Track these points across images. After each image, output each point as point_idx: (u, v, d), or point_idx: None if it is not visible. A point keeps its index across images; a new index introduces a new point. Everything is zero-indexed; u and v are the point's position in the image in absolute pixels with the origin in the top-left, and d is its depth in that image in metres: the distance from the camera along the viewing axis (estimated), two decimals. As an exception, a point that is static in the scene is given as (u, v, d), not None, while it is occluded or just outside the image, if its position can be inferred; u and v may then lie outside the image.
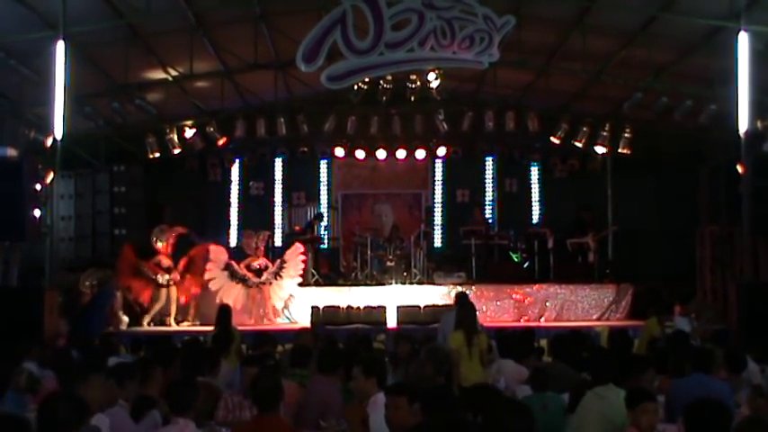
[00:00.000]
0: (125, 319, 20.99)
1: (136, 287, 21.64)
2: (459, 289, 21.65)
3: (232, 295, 21.56)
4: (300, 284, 22.36)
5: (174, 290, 21.83)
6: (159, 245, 22.24)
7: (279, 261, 22.42)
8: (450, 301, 20.90)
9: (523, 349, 12.07)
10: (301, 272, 22.36)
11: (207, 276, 21.92)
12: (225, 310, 16.00)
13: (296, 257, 22.39)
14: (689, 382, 9.00)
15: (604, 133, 23.70)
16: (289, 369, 9.78)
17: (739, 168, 17.70)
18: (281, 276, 22.14)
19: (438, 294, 22.08)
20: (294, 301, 22.15)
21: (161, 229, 22.59)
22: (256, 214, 25.42)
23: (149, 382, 8.52)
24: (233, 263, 22.17)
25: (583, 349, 12.34)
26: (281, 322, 21.89)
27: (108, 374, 8.19)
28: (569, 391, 8.91)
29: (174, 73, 21.33)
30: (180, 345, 13.29)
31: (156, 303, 21.66)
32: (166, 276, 21.76)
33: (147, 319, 21.44)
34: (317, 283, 23.21)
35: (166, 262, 21.99)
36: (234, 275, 21.98)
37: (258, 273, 22.16)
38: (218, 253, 22.26)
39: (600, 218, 25.22)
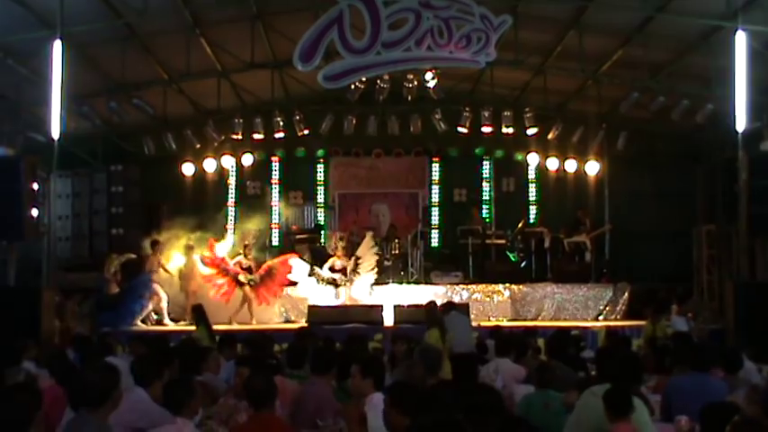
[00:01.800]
0: None
1: (216, 283, 21.80)
2: (457, 288, 21.77)
3: (325, 299, 21.73)
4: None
5: (250, 291, 21.88)
6: (240, 248, 22.40)
7: (354, 258, 22.29)
8: (446, 300, 21.02)
9: (522, 348, 12.07)
10: (375, 264, 22.31)
11: (289, 290, 22.12)
12: (199, 309, 16.18)
13: (369, 251, 22.39)
14: (685, 381, 8.99)
15: (601, 133, 23.72)
16: (286, 370, 9.77)
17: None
18: (358, 273, 22.11)
19: (435, 294, 22.04)
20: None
21: (244, 233, 22.81)
22: (253, 214, 25.34)
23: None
24: (315, 268, 22.14)
25: (578, 349, 12.38)
26: (278, 322, 21.91)
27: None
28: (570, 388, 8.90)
29: (171, 72, 21.31)
30: (177, 344, 13.32)
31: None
32: (248, 277, 21.84)
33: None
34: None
35: (247, 262, 22.06)
36: (321, 280, 22.02)
37: (344, 273, 22.15)
38: (298, 263, 22.22)
39: (597, 217, 25.23)
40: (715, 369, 9.60)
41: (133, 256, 21.78)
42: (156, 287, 21.15)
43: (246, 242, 22.42)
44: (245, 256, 22.09)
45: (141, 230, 22.91)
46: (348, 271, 22.11)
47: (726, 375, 9.64)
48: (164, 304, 21.31)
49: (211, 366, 10.08)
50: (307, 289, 21.97)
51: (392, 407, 6.63)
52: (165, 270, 21.74)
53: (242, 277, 21.66)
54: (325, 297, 21.71)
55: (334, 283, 21.96)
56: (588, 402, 7.88)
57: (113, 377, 6.80)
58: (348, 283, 22.02)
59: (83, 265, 22.42)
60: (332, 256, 22.44)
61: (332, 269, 22.13)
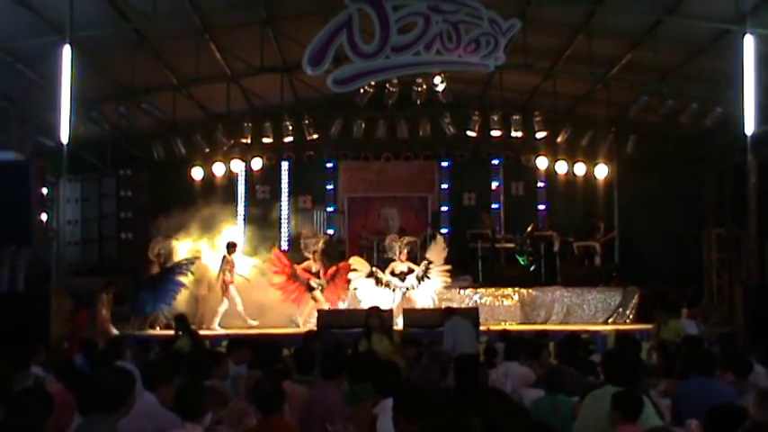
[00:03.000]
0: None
1: (288, 290, 22.05)
2: (467, 292, 21.79)
3: (381, 302, 21.56)
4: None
5: (319, 295, 21.99)
6: (309, 252, 22.42)
7: (425, 262, 22.24)
8: (455, 303, 21.07)
9: (535, 350, 12.03)
10: (448, 272, 22.26)
11: (353, 286, 22.04)
12: (182, 318, 16.48)
13: (440, 255, 22.37)
14: (694, 385, 8.98)
15: (611, 136, 23.71)
16: (295, 375, 9.76)
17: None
18: (428, 278, 22.04)
19: (444, 297, 22.06)
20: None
21: (307, 236, 23.00)
22: (263, 218, 25.32)
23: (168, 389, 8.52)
24: (377, 270, 22.12)
25: (588, 352, 12.36)
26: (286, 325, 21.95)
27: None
28: (579, 394, 8.89)
29: (180, 77, 21.34)
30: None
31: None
32: (317, 281, 21.96)
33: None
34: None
35: (315, 267, 22.17)
36: (380, 282, 21.96)
37: (402, 277, 22.06)
38: (360, 263, 22.29)
39: (606, 221, 25.22)
40: (725, 373, 9.58)
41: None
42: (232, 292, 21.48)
43: (315, 248, 22.42)
44: (314, 261, 22.20)
45: (149, 235, 22.90)
46: (414, 276, 22.05)
47: (735, 379, 9.61)
48: (221, 308, 21.42)
49: (220, 371, 10.07)
50: (364, 291, 21.93)
51: (399, 412, 6.62)
52: (231, 275, 21.80)
53: (313, 282, 21.84)
54: (383, 300, 21.57)
55: (389, 286, 21.93)
56: (591, 406, 7.87)
57: (129, 381, 6.81)
58: (409, 288, 21.95)
59: (92, 269, 22.46)
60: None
61: (393, 273, 22.07)
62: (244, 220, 26.69)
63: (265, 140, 23.73)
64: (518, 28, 18.22)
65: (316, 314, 20.95)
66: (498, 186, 27.41)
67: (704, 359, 9.39)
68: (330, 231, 26.75)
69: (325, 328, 19.56)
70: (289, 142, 24.18)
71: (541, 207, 27.20)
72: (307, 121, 23.54)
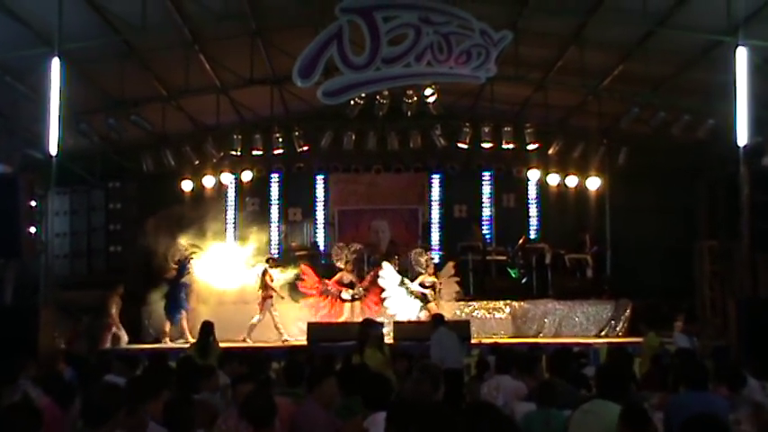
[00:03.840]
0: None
1: (319, 306, 22.23)
2: (458, 305, 21.83)
3: (411, 312, 21.78)
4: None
5: (356, 305, 22.08)
6: (342, 263, 22.53)
7: (438, 281, 22.36)
8: (447, 316, 21.05)
9: (530, 364, 11.98)
10: (455, 294, 22.44)
11: (384, 295, 22.03)
12: (206, 325, 16.32)
13: (448, 277, 22.50)
14: (687, 398, 8.96)
15: (602, 148, 23.74)
16: (285, 388, 9.71)
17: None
18: (441, 296, 22.17)
19: (434, 311, 22.04)
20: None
21: (340, 247, 23.04)
22: (252, 231, 25.27)
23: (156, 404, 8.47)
24: (407, 280, 22.11)
25: (580, 366, 12.35)
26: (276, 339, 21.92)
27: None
28: (571, 408, 8.88)
29: (169, 89, 21.32)
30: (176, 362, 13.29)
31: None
32: (351, 292, 22.04)
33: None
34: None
35: (348, 277, 22.26)
36: (411, 293, 21.96)
37: (433, 288, 22.11)
38: (390, 272, 22.23)
39: (598, 233, 25.22)
40: (718, 386, 9.58)
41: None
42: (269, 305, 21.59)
43: (347, 258, 22.46)
44: (347, 271, 22.27)
45: (139, 248, 22.88)
46: (436, 290, 22.11)
47: (729, 393, 9.61)
48: (254, 321, 21.50)
49: (210, 384, 10.04)
50: (394, 299, 21.94)
51: (391, 425, 6.60)
52: (273, 289, 21.80)
53: (345, 294, 21.89)
54: (410, 311, 21.77)
55: (423, 298, 21.91)
56: (580, 420, 7.86)
57: (116, 396, 6.78)
58: (436, 301, 21.96)
59: (81, 282, 22.39)
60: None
61: (422, 285, 22.09)
62: (233, 232, 26.62)
63: (255, 153, 23.73)
64: (509, 39, 18.20)
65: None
66: (489, 198, 27.40)
67: (697, 372, 9.37)
68: (320, 244, 26.69)
69: (314, 341, 19.54)
70: (278, 155, 24.20)
71: (533, 219, 27.22)
72: (297, 134, 23.57)
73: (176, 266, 22.06)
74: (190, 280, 22.08)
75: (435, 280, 22.21)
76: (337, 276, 22.28)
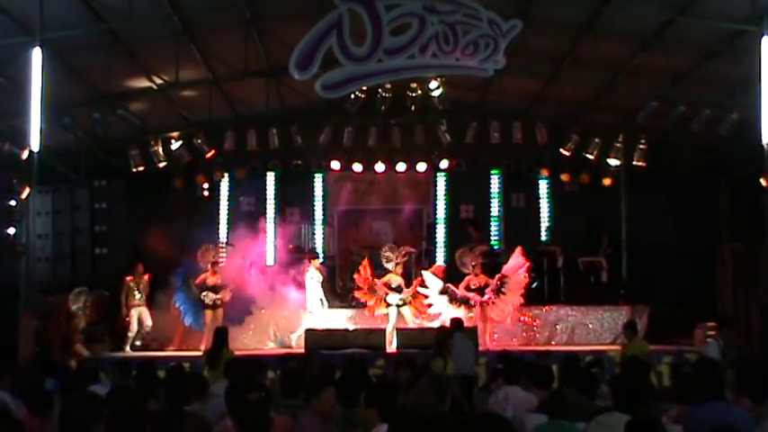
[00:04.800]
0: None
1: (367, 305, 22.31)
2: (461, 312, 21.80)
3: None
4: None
5: (401, 311, 22.01)
6: (391, 265, 22.42)
7: (499, 276, 22.15)
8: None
9: (545, 377, 11.93)
10: (523, 288, 22.13)
11: (426, 302, 21.95)
12: (220, 332, 16.43)
13: (518, 270, 22.20)
14: (707, 410, 8.90)
15: (618, 145, 23.69)
16: (280, 399, 9.69)
17: (762, 182, 17.62)
18: (503, 293, 21.93)
19: (440, 318, 22.05)
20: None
21: (391, 248, 22.84)
22: (247, 232, 25.23)
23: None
24: (450, 285, 21.99)
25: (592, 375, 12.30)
26: (273, 346, 21.91)
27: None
28: (584, 420, 8.84)
29: (158, 81, 21.31)
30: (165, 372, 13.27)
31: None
32: (398, 296, 21.99)
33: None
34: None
35: (397, 281, 22.18)
36: (454, 298, 21.86)
37: (480, 292, 21.94)
38: (433, 278, 22.12)
39: (613, 235, 25.20)
40: (740, 398, 9.53)
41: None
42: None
43: (397, 260, 22.40)
44: (395, 274, 22.23)
45: (127, 250, 22.85)
46: (490, 290, 21.92)
47: (752, 405, 9.56)
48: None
49: (201, 395, 10.00)
50: (437, 307, 21.89)
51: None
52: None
53: (391, 297, 21.86)
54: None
55: (466, 302, 21.80)
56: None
57: (95, 408, 6.73)
58: (487, 305, 21.82)
59: (64, 287, 22.32)
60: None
61: (467, 287, 21.99)
62: (227, 233, 26.60)
63: (250, 149, 23.68)
64: (519, 29, 18.15)
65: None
66: (498, 198, 27.37)
67: (718, 383, 9.33)
68: (318, 246, 26.68)
69: (313, 349, 19.51)
70: (274, 151, 24.15)
71: (544, 220, 27.18)
72: (293, 129, 23.50)
73: (213, 268, 22.17)
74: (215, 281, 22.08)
75: (485, 280, 22.04)
76: (386, 278, 22.18)
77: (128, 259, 22.46)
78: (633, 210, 25.53)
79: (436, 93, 21.97)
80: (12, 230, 17.27)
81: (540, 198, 27.30)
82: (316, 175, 27.25)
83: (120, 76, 20.17)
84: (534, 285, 24.26)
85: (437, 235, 27.37)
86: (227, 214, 27.05)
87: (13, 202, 17.40)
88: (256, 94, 22.65)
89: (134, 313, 21.66)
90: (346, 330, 20.98)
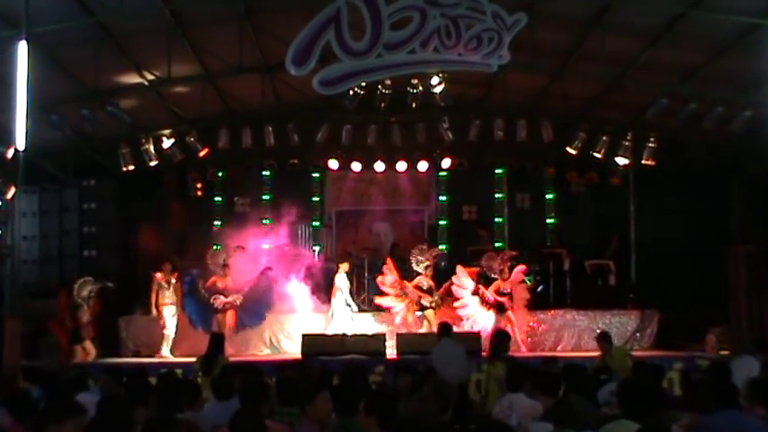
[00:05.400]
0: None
1: (395, 310, 22.24)
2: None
3: (485, 322, 21.65)
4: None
5: (432, 315, 22.01)
6: (421, 267, 22.43)
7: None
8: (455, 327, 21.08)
9: (546, 381, 11.91)
10: (526, 301, 22.17)
11: (457, 304, 21.91)
12: (216, 338, 16.39)
13: (519, 283, 22.31)
14: (720, 419, 8.89)
15: (626, 143, 23.64)
16: (277, 406, 9.67)
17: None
18: (514, 303, 22.03)
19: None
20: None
21: (421, 249, 22.85)
22: (242, 233, 25.21)
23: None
24: (481, 287, 21.97)
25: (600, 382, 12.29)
26: (268, 353, 21.90)
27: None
28: (591, 428, 8.82)
29: (150, 77, 21.28)
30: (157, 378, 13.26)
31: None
32: (429, 299, 21.95)
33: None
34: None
35: (428, 283, 22.14)
36: (485, 302, 21.85)
37: (511, 296, 22.00)
38: (464, 279, 22.11)
39: (622, 236, 25.19)
40: (754, 406, 9.51)
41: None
42: None
43: (428, 262, 22.40)
44: (425, 276, 22.21)
45: (117, 252, 22.85)
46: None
47: (766, 413, 9.55)
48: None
49: (195, 403, 9.98)
50: (468, 309, 21.87)
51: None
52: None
53: (424, 301, 21.87)
54: (486, 321, 21.69)
55: (499, 307, 21.81)
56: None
57: (80, 418, 6.72)
58: (510, 311, 21.84)
59: (51, 290, 22.34)
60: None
61: (498, 292, 21.97)
62: (221, 235, 26.54)
63: (244, 147, 23.66)
64: (524, 23, 18.10)
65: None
66: (502, 198, 27.35)
67: (731, 390, 9.31)
68: (315, 248, 26.65)
69: (310, 355, 19.50)
70: (270, 150, 24.14)
71: (550, 221, 27.16)
72: (290, 127, 23.48)
73: (224, 271, 22.08)
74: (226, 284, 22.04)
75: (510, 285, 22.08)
76: (416, 280, 22.19)
77: (119, 261, 22.44)
78: (642, 210, 25.55)
79: (438, 89, 21.95)
80: (-3, 232, 17.24)
81: (545, 198, 27.29)
82: (313, 174, 27.24)
83: (110, 72, 20.14)
84: (539, 289, 24.28)
85: (439, 236, 27.28)
86: (221, 215, 26.98)
87: (-2, 203, 17.39)
88: (251, 91, 22.64)
89: (167, 313, 21.54)
90: (344, 335, 20.93)
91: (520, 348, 21.24)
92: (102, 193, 23.93)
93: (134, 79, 21.22)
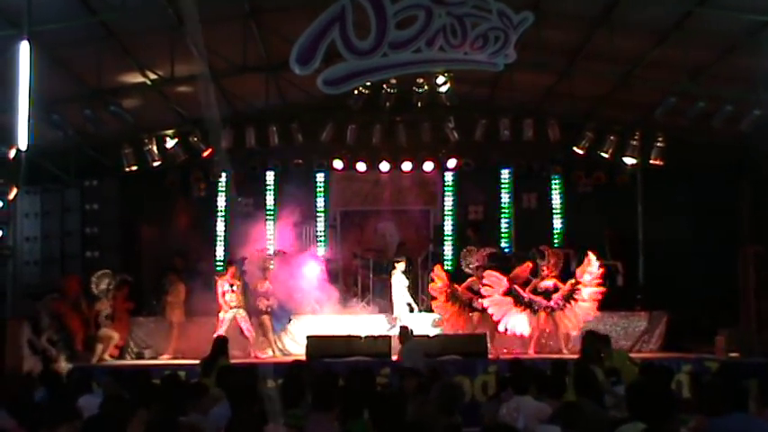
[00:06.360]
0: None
1: (447, 312, 22.30)
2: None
3: (519, 323, 21.61)
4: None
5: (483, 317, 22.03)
6: (471, 269, 22.50)
7: (572, 281, 22.06)
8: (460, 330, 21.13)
9: (556, 386, 11.90)
10: (599, 295, 21.95)
11: (487, 303, 21.78)
12: (220, 342, 16.48)
13: (592, 274, 22.05)
14: (729, 422, 8.87)
15: (634, 143, 23.68)
16: (281, 409, 9.66)
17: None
18: (575, 300, 21.83)
19: (428, 322, 22.07)
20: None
21: (470, 250, 22.99)
22: (245, 234, 25.18)
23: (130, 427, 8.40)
24: (516, 287, 21.89)
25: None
26: (272, 355, 21.87)
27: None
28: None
29: (152, 76, 21.29)
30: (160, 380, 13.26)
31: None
32: (481, 301, 21.91)
33: None
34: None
35: (478, 285, 22.09)
36: (519, 301, 21.74)
37: (547, 295, 21.89)
38: (497, 279, 22.00)
39: (629, 237, 25.13)
40: (764, 409, 9.50)
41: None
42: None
43: (478, 263, 22.41)
44: (478, 278, 22.16)
45: (119, 253, 22.85)
46: (561, 295, 21.84)
47: (775, 416, 9.54)
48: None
49: (199, 405, 9.98)
50: (501, 308, 21.77)
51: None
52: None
53: (476, 303, 21.83)
54: (520, 323, 21.64)
55: (530, 306, 21.72)
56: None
57: (74, 423, 6.72)
58: (554, 310, 21.75)
59: (53, 291, 22.35)
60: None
61: (535, 291, 21.93)
62: (224, 235, 26.54)
63: (248, 147, 23.67)
64: (530, 22, 18.08)
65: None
66: (508, 198, 27.31)
67: (740, 393, 9.30)
68: (321, 249, 26.59)
69: (314, 356, 19.47)
70: (274, 150, 24.15)
71: (556, 222, 27.12)
72: (294, 126, 23.48)
73: (264, 274, 22.31)
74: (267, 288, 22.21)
75: (558, 283, 22.03)
76: (467, 282, 22.23)
77: (122, 262, 22.44)
78: (650, 211, 25.48)
79: (443, 88, 21.99)
80: (-2, 233, 17.25)
81: (552, 198, 27.19)
82: (317, 174, 27.13)
83: (113, 71, 20.15)
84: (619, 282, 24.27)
85: (445, 237, 27.25)
86: (225, 216, 26.94)
87: (-1, 204, 17.39)
88: (255, 90, 22.64)
89: (238, 316, 21.56)
90: (350, 337, 20.89)
91: (561, 350, 21.47)
92: (104, 194, 23.91)
93: (137, 79, 21.22)
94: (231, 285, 21.48)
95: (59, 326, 20.27)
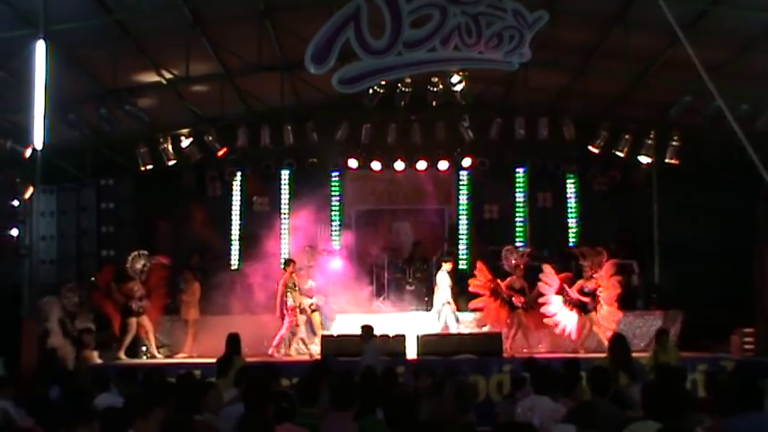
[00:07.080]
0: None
1: (489, 308, 22.32)
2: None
3: (568, 322, 21.77)
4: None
5: (524, 315, 22.12)
6: (512, 263, 22.52)
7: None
8: (475, 329, 21.10)
9: (569, 383, 11.91)
10: (617, 296, 22.04)
11: (541, 300, 21.94)
12: (232, 338, 16.42)
13: (608, 279, 22.11)
14: (744, 422, 8.86)
15: (649, 142, 23.62)
16: (298, 408, 9.67)
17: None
18: (600, 303, 21.96)
19: (464, 322, 22.00)
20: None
21: (509, 250, 22.97)
22: (260, 233, 25.17)
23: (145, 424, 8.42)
24: (566, 286, 21.97)
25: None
26: (290, 354, 21.89)
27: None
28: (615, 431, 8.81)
29: (168, 76, 21.35)
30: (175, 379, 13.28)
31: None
32: (522, 299, 22.03)
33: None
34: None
35: (519, 283, 22.18)
36: (568, 301, 21.85)
37: (593, 296, 21.91)
38: (551, 276, 22.13)
39: (646, 236, 25.08)
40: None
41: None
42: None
43: (515, 261, 22.45)
44: (517, 276, 22.23)
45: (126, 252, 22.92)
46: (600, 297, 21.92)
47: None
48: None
49: (213, 404, 9.99)
50: (552, 307, 21.89)
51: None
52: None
53: (516, 301, 21.88)
54: (569, 322, 21.77)
55: (582, 306, 21.79)
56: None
57: (93, 425, 6.75)
58: (595, 311, 21.82)
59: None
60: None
61: (581, 291, 21.94)
62: (239, 234, 26.56)
63: (263, 147, 23.68)
64: (545, 21, 18.07)
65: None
66: (523, 197, 27.29)
67: (756, 393, 9.28)
68: (335, 248, 26.57)
69: (330, 356, 19.47)
70: (289, 149, 24.16)
71: (572, 221, 27.08)
72: (309, 125, 23.49)
73: (308, 272, 22.38)
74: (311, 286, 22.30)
75: (594, 284, 21.97)
76: (508, 280, 22.21)
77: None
78: (666, 210, 25.39)
79: (458, 87, 21.95)
80: (14, 232, 17.32)
81: (567, 198, 27.16)
82: (332, 173, 27.10)
83: (128, 71, 20.20)
84: (636, 283, 24.26)
85: (460, 236, 27.24)
86: (240, 215, 26.94)
87: (15, 203, 17.51)
88: (270, 89, 22.64)
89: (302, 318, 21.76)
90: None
91: (581, 348, 21.52)
92: (119, 193, 23.97)
93: (152, 78, 21.27)
94: (294, 285, 21.62)
95: (96, 316, 20.47)
